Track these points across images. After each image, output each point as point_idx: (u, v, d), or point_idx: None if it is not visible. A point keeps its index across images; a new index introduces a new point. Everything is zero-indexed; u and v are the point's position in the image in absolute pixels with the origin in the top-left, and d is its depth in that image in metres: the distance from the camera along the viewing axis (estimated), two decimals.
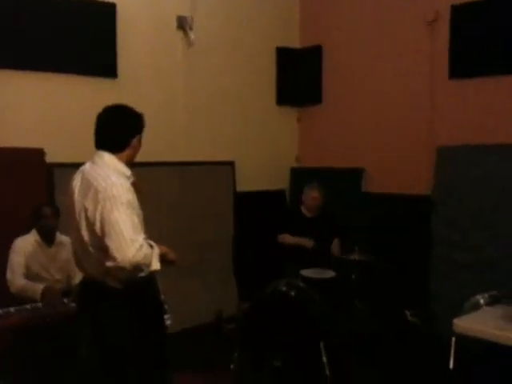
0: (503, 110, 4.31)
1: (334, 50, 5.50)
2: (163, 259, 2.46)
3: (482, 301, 3.25)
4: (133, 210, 2.37)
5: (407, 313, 4.68)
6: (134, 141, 2.53)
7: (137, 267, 2.31)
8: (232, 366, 3.94)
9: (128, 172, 2.50)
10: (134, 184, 2.49)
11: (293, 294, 3.87)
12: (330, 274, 4.34)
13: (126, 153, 2.51)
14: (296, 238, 4.64)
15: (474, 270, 4.33)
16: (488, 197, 4.29)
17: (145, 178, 4.03)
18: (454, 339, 3.17)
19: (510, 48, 4.22)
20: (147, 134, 2.66)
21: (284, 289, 3.92)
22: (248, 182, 5.35)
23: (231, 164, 5.26)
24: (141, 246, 2.29)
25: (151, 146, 2.65)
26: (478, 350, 2.77)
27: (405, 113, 4.95)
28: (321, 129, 5.70)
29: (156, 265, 2.39)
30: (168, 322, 2.52)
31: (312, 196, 4.78)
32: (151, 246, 2.40)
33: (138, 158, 2.66)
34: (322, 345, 3.84)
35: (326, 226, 4.78)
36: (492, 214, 4.26)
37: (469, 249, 4.39)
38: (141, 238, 2.33)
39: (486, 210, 4.30)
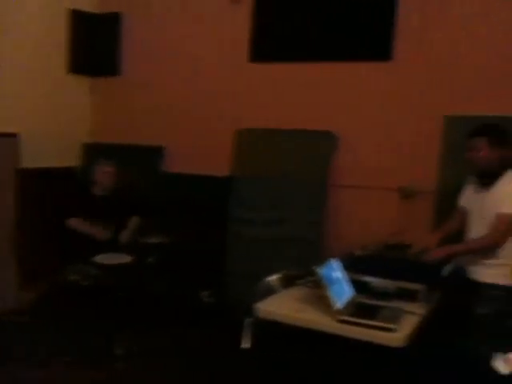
0: (297, 97, 4.50)
1: (135, 20, 5.17)
2: None
3: (273, 283, 3.33)
4: None
5: (203, 294, 4.71)
6: None
7: None
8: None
9: None
10: None
11: (86, 283, 3.58)
12: (125, 258, 4.12)
13: None
14: (88, 225, 4.30)
15: (266, 248, 4.52)
16: (278, 178, 4.51)
17: None
18: (248, 320, 3.21)
19: (308, 36, 4.42)
20: None
21: (75, 277, 3.61)
22: (35, 157, 4.77)
23: (14, 136, 4.64)
24: None
25: None
26: (275, 332, 2.83)
27: (206, 93, 4.89)
28: (119, 102, 5.35)
29: None
30: None
31: (103, 171, 4.45)
32: None
33: None
34: (116, 336, 3.63)
35: (121, 205, 4.51)
36: (281, 196, 4.51)
37: (260, 227, 4.57)
38: None
39: (275, 191, 4.53)
